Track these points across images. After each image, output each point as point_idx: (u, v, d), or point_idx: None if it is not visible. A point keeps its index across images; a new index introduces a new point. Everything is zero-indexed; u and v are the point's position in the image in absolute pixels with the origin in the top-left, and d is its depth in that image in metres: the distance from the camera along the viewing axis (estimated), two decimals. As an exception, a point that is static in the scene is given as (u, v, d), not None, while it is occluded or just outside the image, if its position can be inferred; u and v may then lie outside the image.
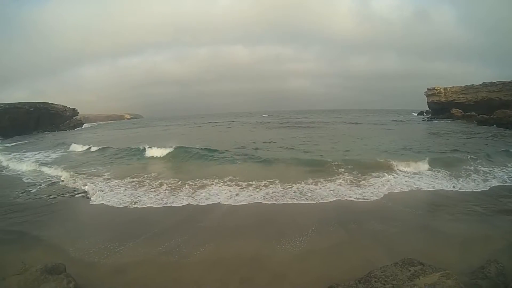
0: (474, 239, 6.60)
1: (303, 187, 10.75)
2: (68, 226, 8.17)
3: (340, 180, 11.47)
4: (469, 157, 14.78)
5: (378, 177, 11.76)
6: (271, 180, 11.48)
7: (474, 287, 4.33)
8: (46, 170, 15.81)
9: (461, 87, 53.96)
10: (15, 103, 52.71)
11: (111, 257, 6.25)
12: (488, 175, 12.20)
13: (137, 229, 7.72)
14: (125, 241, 7.01)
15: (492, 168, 13.20)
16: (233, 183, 11.49)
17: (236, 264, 5.86)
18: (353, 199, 9.62)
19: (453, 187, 10.88)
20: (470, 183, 11.21)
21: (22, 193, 11.76)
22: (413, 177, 12.05)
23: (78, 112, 74.60)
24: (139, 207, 9.52)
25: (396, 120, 53.91)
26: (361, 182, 11.22)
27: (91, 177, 13.46)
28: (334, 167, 13.29)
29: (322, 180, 11.46)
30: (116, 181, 12.45)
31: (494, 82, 47.18)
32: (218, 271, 5.67)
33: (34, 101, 57.22)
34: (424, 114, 66.47)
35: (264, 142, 23.11)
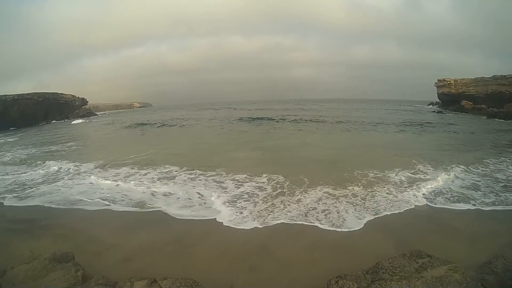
0: (482, 233, 6.55)
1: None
2: (76, 215, 8.29)
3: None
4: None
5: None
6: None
7: (481, 282, 4.29)
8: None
9: (471, 79, 52.82)
10: (23, 94, 52.99)
11: (119, 245, 6.35)
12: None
13: (144, 218, 7.83)
14: (133, 229, 7.13)
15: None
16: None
17: (245, 253, 5.91)
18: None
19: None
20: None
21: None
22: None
23: (87, 102, 74.87)
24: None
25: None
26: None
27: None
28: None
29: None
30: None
31: (505, 76, 46.03)
32: (227, 259, 5.73)
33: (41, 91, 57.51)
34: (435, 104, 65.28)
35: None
